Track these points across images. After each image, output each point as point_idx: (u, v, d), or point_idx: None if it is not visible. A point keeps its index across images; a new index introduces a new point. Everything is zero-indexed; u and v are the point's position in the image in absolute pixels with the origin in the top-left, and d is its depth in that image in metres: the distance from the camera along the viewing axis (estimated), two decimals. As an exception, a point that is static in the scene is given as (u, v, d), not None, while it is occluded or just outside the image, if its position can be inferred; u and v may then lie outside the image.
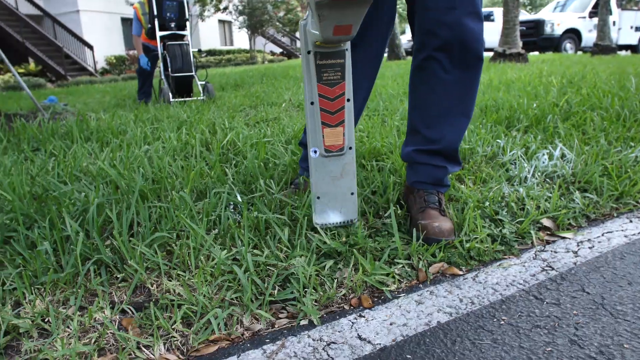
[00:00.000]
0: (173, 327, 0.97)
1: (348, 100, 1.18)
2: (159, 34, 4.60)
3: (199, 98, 4.52)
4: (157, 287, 1.08)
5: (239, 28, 21.39)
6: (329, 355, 0.89)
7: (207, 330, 0.96)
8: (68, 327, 0.96)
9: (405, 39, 15.16)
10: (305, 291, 1.07)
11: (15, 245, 1.17)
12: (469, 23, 1.22)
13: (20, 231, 1.21)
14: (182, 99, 4.48)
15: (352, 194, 1.26)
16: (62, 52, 14.18)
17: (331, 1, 0.91)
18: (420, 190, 1.36)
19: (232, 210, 1.40)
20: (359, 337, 0.94)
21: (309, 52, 1.12)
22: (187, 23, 4.60)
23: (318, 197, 1.24)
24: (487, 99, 2.97)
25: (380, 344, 0.91)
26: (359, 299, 1.07)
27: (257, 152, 1.91)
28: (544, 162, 1.76)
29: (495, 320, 0.96)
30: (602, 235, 1.32)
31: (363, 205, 1.42)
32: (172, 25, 4.62)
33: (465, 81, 1.29)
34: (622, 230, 1.34)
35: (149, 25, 4.71)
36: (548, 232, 1.35)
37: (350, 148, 1.23)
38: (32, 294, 1.04)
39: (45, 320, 0.97)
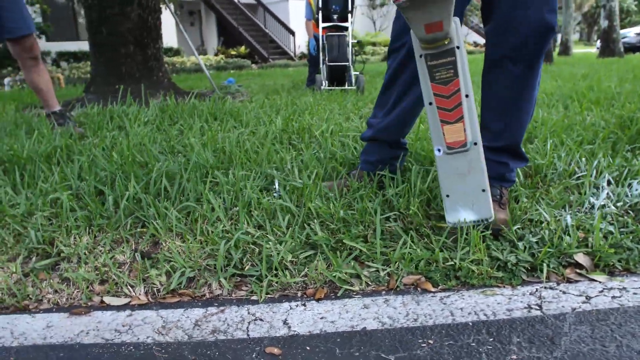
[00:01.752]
0: (158, 277, 1.22)
1: (466, 96, 1.19)
2: (321, 25, 4.99)
3: (350, 88, 4.78)
4: (165, 243, 1.35)
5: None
6: (247, 328, 1.02)
7: (178, 285, 1.18)
8: (95, 259, 1.30)
9: (634, 32, 12.80)
10: (275, 273, 1.20)
11: (84, 197, 1.58)
12: (547, 19, 1.26)
13: (107, 187, 1.63)
14: (335, 87, 4.80)
15: (483, 190, 1.25)
16: (267, 37, 16.26)
17: (408, 2, 1.01)
18: None
19: (276, 192, 1.58)
20: (284, 322, 1.03)
21: (420, 57, 1.20)
22: (350, 15, 4.87)
23: (447, 196, 1.28)
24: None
25: (295, 331, 1.00)
26: (315, 291, 1.15)
27: (324, 142, 2.05)
28: (636, 190, 1.46)
29: (419, 341, 0.94)
30: (649, 287, 1.09)
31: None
32: (335, 17, 4.95)
33: (528, 79, 1.34)
34: (686, 288, 1.08)
35: (316, 15, 5.15)
36: (578, 271, 1.17)
37: (476, 144, 1.22)
38: (85, 232, 1.42)
39: (83, 252, 1.33)
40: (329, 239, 1.28)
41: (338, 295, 1.13)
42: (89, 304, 1.15)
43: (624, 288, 1.09)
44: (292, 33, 17.29)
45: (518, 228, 1.32)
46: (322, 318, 1.04)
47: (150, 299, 1.16)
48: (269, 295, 1.15)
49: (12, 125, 2.74)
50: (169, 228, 1.40)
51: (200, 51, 17.84)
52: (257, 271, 1.20)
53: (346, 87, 4.82)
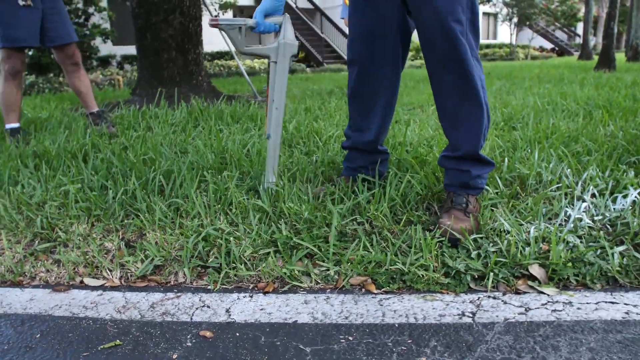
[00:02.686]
0: (134, 263, 1.36)
1: (273, 100, 1.56)
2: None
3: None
4: (149, 234, 1.49)
5: (502, 21, 20.36)
6: (194, 313, 1.12)
7: (150, 271, 1.32)
8: (87, 245, 1.46)
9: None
10: (234, 266, 1.30)
11: (88, 190, 1.76)
12: (450, 26, 1.31)
13: (112, 182, 1.81)
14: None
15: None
16: (323, 41, 16.50)
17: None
18: (450, 192, 1.48)
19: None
20: (227, 310, 1.13)
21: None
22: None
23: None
24: None
25: (233, 319, 1.09)
26: (266, 284, 1.24)
27: (324, 148, 2.13)
28: (620, 205, 1.42)
29: (340, 337, 1.01)
30: (597, 303, 1.08)
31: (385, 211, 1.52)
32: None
33: (462, 86, 1.37)
34: (635, 306, 1.06)
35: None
36: (530, 283, 1.18)
37: (269, 137, 1.60)
38: (84, 221, 1.59)
39: (78, 238, 1.50)
40: (290, 237, 1.37)
41: (284, 290, 1.22)
42: (71, 283, 1.31)
43: (570, 302, 1.09)
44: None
45: (480, 237, 1.33)
46: (261, 309, 1.13)
47: (122, 282, 1.30)
48: (224, 286, 1.25)
49: (56, 123, 3.05)
50: (156, 221, 1.54)
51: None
52: (218, 264, 1.31)
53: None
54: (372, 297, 1.16)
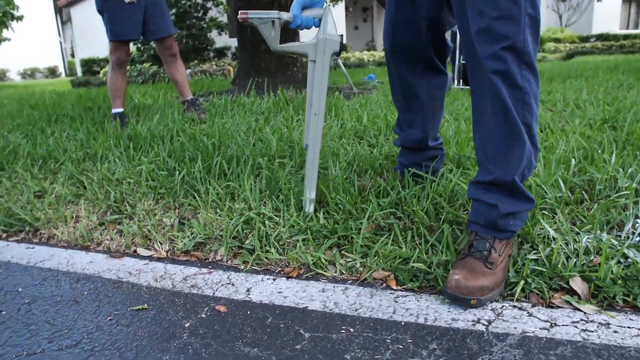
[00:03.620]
0: (182, 239, 1.49)
1: (311, 105, 1.41)
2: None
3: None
4: (200, 214, 1.62)
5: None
6: (217, 289, 1.21)
7: (191, 247, 1.44)
8: (149, 219, 1.63)
9: None
10: (267, 250, 1.37)
11: (159, 170, 1.94)
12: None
13: (185, 164, 1.99)
14: (467, 87, 4.63)
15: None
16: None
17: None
18: (472, 233, 1.19)
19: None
20: (248, 289, 1.20)
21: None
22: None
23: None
24: None
25: (250, 298, 1.15)
26: (292, 269, 1.29)
27: (386, 141, 2.10)
28: None
29: (342, 327, 1.01)
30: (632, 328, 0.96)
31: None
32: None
33: (497, 112, 1.11)
34: (690, 338, 0.92)
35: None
36: (568, 297, 1.07)
37: (306, 148, 1.45)
38: (150, 198, 1.77)
39: (141, 213, 1.67)
40: (326, 226, 1.39)
41: (307, 277, 1.25)
42: (126, 251, 1.48)
43: (608, 324, 0.98)
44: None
45: (529, 245, 1.24)
46: (279, 292, 1.18)
47: (168, 255, 1.44)
48: (254, 267, 1.32)
49: (155, 109, 3.40)
50: (209, 202, 1.67)
51: (370, 47, 18.44)
52: (252, 246, 1.39)
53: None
54: (390, 293, 1.14)
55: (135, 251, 1.47)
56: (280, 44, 1.36)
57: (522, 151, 1.12)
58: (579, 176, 1.55)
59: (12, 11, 13.87)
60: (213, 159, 1.96)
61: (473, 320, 1.01)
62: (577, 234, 1.27)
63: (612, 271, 1.08)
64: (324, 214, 1.47)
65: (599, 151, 1.74)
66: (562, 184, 1.46)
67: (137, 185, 1.85)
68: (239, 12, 1.31)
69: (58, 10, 20.68)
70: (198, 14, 9.63)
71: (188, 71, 8.88)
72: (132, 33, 2.88)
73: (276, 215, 1.51)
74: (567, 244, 1.21)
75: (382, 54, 13.70)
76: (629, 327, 0.96)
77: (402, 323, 1.02)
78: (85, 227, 1.61)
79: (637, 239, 1.21)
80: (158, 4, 2.94)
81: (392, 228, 1.39)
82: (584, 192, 1.50)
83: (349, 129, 2.46)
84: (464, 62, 4.63)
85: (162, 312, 1.11)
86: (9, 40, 16.16)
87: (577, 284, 1.09)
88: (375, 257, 1.26)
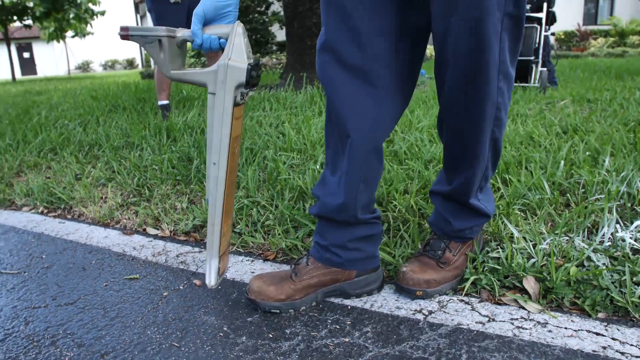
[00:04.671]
0: (185, 221, 1.66)
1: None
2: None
3: (533, 85, 4.41)
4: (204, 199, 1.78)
5: None
6: (201, 267, 1.36)
7: (189, 228, 1.61)
8: (163, 203, 1.82)
9: None
10: (253, 234, 1.51)
11: (181, 159, 2.13)
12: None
13: (202, 153, 2.17)
14: (518, 84, 4.50)
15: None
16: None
17: None
18: (432, 232, 1.24)
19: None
20: (227, 267, 1.34)
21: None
22: (545, 5, 4.45)
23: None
24: None
25: (225, 276, 1.30)
26: (272, 253, 1.41)
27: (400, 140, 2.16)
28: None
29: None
30: (578, 330, 0.99)
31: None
32: (528, 7, 4.60)
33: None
34: (622, 343, 0.94)
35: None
36: (519, 296, 1.11)
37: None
38: (168, 183, 1.97)
39: (164, 196, 1.87)
40: (306, 216, 1.51)
41: (282, 260, 1.37)
42: (138, 230, 1.68)
43: (546, 323, 1.02)
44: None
45: (496, 243, 1.28)
46: (252, 272, 1.31)
47: (171, 235, 1.62)
48: (239, 249, 1.46)
49: (198, 102, 3.65)
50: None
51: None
52: (239, 230, 1.53)
53: (529, 84, 4.46)
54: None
55: (144, 230, 1.67)
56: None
57: (482, 170, 1.10)
58: (570, 179, 1.55)
59: (93, 7, 15.04)
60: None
61: (415, 310, 1.09)
62: (544, 235, 1.29)
63: (568, 273, 1.11)
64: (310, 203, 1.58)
65: (608, 154, 1.71)
66: (546, 186, 1.47)
67: (160, 172, 2.06)
68: (120, 27, 1.03)
69: (135, 5, 22.15)
70: (260, 8, 9.96)
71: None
72: (176, 31, 3.12)
73: (269, 204, 1.64)
74: (534, 245, 1.24)
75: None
76: (565, 328, 1.00)
77: (349, 307, 1.12)
78: (109, 207, 1.83)
79: (608, 244, 1.22)
80: (201, 3, 3.16)
81: (373, 221, 1.47)
82: (575, 195, 1.50)
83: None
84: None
85: (148, 282, 1.29)
86: (92, 34, 17.51)
87: (530, 283, 1.13)
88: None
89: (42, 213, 1.93)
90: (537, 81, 4.45)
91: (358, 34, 0.99)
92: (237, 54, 0.97)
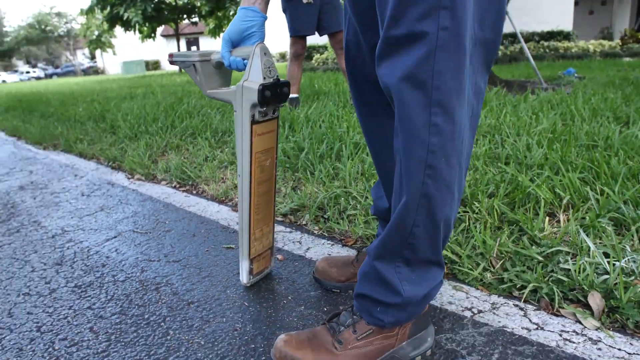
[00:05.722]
0: (284, 204, 1.88)
1: None
2: None
3: None
4: (305, 186, 1.97)
5: None
6: (286, 244, 1.56)
7: (284, 210, 1.82)
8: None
9: None
10: (338, 221, 1.65)
11: (293, 149, 2.36)
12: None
13: (312, 145, 2.38)
14: None
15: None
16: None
17: None
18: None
19: None
20: (307, 249, 1.51)
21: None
22: None
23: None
24: None
25: (305, 255, 1.47)
26: (352, 240, 1.55)
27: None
28: None
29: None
30: (632, 354, 0.95)
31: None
32: None
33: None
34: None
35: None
36: (578, 310, 1.09)
37: None
38: (282, 171, 2.21)
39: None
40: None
41: (359, 247, 1.50)
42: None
43: (598, 341, 0.99)
44: None
45: (572, 255, 1.26)
46: (329, 254, 1.46)
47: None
48: (324, 233, 1.63)
49: (324, 96, 3.89)
50: (318, 177, 2.02)
51: (605, 35, 16.16)
52: (327, 216, 1.69)
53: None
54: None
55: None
56: None
57: (399, 228, 0.84)
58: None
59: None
60: (336, 144, 2.31)
61: (465, 307, 1.14)
62: (628, 253, 1.21)
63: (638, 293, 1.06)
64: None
65: None
66: (648, 203, 1.36)
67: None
68: (169, 54, 1.22)
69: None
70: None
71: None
72: (308, 29, 3.40)
73: (360, 195, 1.78)
74: (613, 262, 1.19)
75: (614, 43, 11.91)
76: (618, 349, 0.97)
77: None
78: (226, 186, 2.14)
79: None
80: (332, 3, 3.39)
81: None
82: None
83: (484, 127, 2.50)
84: None
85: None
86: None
87: (595, 299, 1.10)
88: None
89: (174, 187, 2.32)
90: None
91: None
92: (254, 74, 1.06)
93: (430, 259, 0.88)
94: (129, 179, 2.55)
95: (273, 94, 1.06)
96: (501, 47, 10.70)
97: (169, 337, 1.08)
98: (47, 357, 1.04)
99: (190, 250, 1.55)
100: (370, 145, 1.12)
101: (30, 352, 1.06)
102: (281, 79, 1.08)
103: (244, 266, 1.25)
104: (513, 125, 2.46)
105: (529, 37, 12.12)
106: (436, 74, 0.74)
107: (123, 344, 1.07)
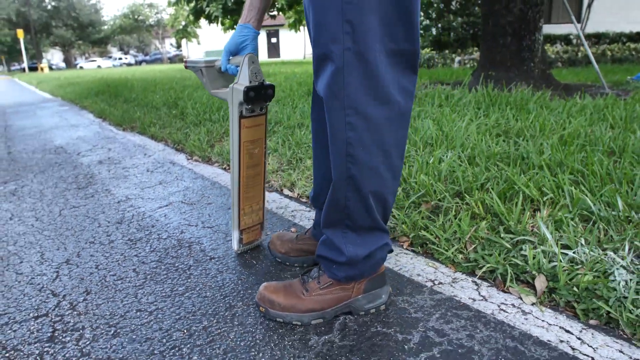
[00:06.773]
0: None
1: None
2: None
3: None
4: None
5: None
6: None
7: (310, 195, 2.10)
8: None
9: None
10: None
11: None
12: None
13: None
14: None
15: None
16: None
17: None
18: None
19: None
20: (316, 225, 1.79)
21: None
22: None
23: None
24: None
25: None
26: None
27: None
28: None
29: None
30: (551, 325, 1.15)
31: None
32: None
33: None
34: (580, 342, 1.08)
35: None
36: (523, 289, 1.29)
37: None
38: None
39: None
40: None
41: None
42: (277, 189, 2.26)
43: (529, 313, 1.19)
44: None
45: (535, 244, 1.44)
46: (331, 232, 1.73)
47: (298, 197, 2.14)
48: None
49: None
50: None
51: None
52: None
53: None
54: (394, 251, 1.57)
55: (282, 190, 2.24)
56: None
57: (337, 205, 1.11)
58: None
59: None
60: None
61: (428, 280, 1.37)
62: (584, 246, 1.38)
63: (583, 281, 1.24)
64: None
65: None
66: (619, 202, 1.50)
67: (310, 149, 2.61)
68: (184, 60, 1.50)
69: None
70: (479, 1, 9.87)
71: (457, 58, 9.35)
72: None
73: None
74: (567, 253, 1.36)
75: None
76: (542, 320, 1.16)
77: (381, 267, 1.45)
78: (272, 169, 2.47)
79: (645, 266, 1.27)
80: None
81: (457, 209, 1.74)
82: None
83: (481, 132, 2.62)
84: None
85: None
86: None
87: (539, 282, 1.29)
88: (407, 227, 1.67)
89: (223, 169, 2.69)
90: None
91: None
92: (243, 79, 1.32)
93: (371, 225, 1.14)
94: (188, 159, 2.96)
95: (257, 94, 1.33)
96: (574, 49, 10.21)
97: (189, 280, 1.41)
98: (100, 286, 1.40)
99: (223, 219, 1.89)
100: (314, 151, 1.39)
101: (89, 281, 1.43)
102: (267, 82, 1.36)
103: (235, 236, 1.54)
104: (541, 128, 2.58)
105: (616, 38, 11.47)
106: (346, 85, 0.98)
107: (155, 281, 1.41)
